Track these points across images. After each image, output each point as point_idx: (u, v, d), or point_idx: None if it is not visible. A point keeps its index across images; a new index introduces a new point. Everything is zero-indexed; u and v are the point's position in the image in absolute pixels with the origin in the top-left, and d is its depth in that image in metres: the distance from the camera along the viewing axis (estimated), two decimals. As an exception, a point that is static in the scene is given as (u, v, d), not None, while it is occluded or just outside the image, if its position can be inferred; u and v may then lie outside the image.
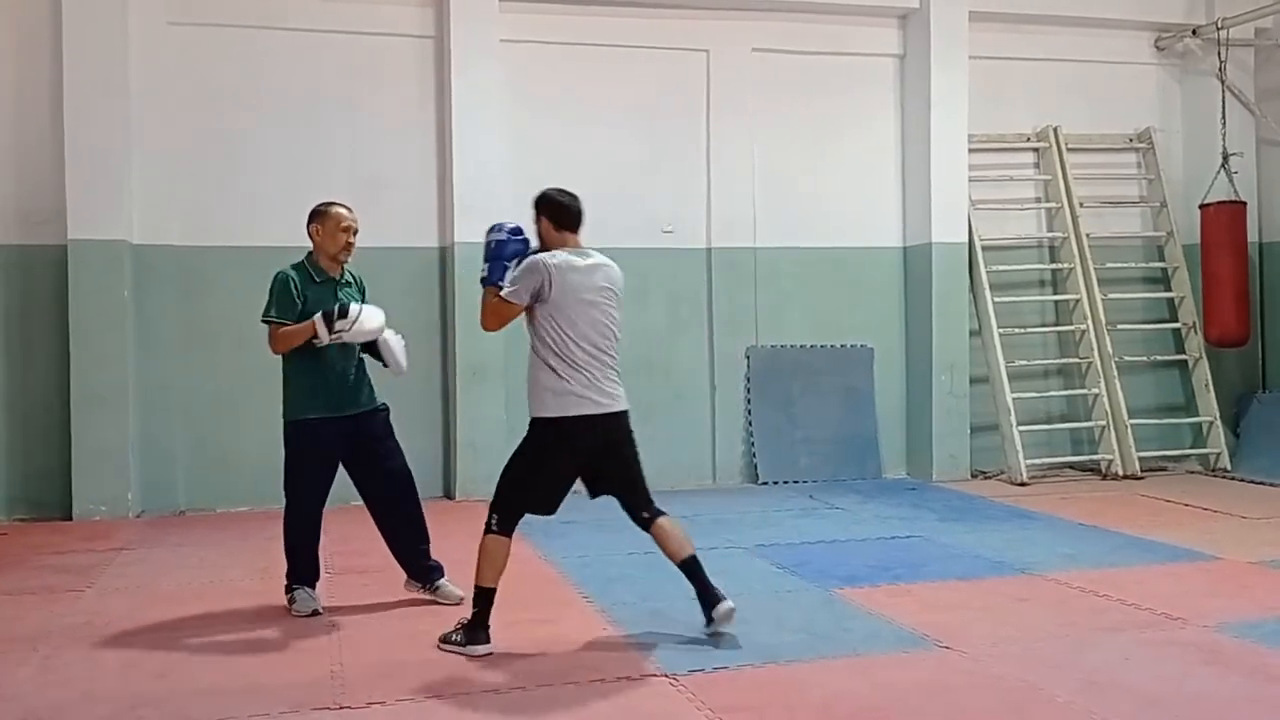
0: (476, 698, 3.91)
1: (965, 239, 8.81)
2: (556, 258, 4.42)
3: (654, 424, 7.69)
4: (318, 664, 4.29)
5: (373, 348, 5.01)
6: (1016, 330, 8.97)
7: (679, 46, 8.52)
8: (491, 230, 4.61)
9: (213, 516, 7.50)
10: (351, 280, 5.10)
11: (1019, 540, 6.48)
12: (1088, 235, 9.12)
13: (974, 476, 8.80)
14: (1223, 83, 9.04)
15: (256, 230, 7.75)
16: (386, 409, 5.11)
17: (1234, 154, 8.96)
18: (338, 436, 4.90)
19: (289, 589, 5.01)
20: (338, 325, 4.72)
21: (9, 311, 7.43)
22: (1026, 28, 9.12)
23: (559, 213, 4.53)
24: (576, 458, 4.45)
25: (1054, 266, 9.22)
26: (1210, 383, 9.20)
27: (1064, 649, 4.38)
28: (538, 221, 4.57)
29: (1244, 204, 8.94)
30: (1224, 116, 8.99)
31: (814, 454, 8.72)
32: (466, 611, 4.47)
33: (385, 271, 7.04)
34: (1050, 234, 9.25)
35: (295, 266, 4.95)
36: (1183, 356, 9.37)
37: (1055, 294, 9.24)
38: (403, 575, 5.15)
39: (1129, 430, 8.84)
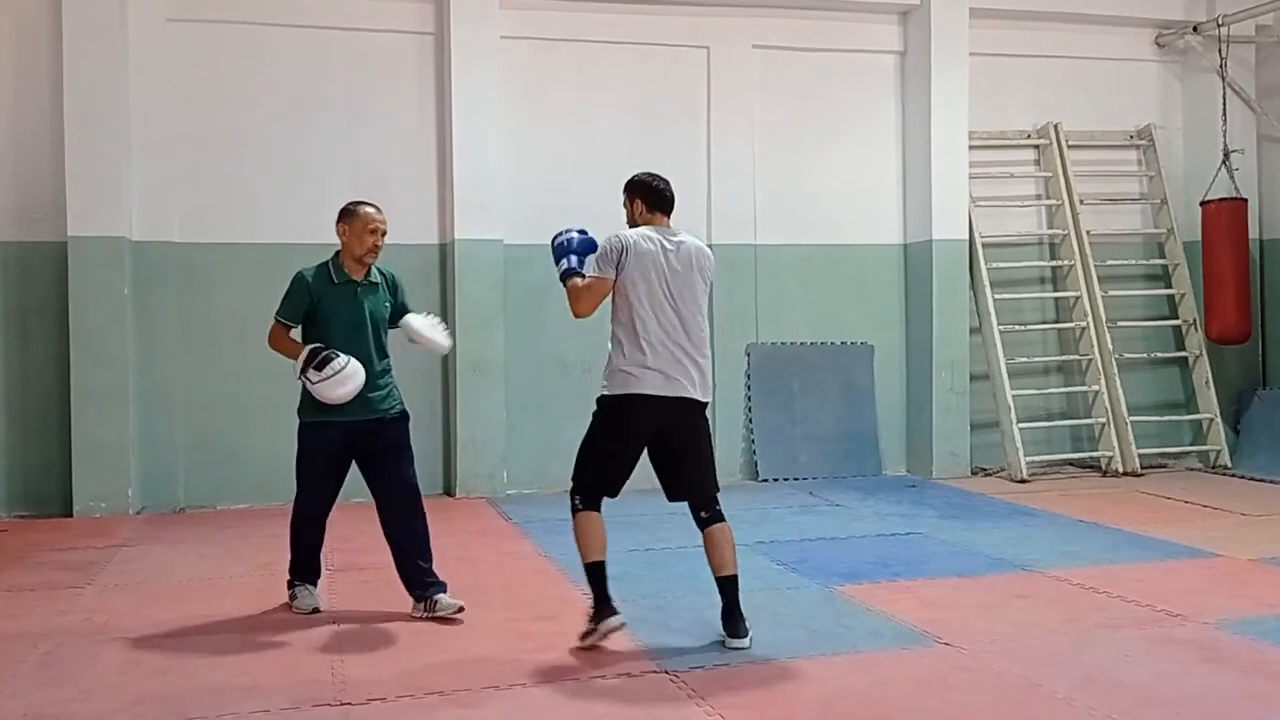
0: (477, 694, 3.91)
1: (966, 236, 8.81)
2: (636, 232, 4.44)
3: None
4: (318, 661, 4.29)
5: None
6: (1017, 327, 8.97)
7: (679, 43, 8.52)
8: (557, 235, 4.62)
9: (213, 513, 7.50)
10: (379, 281, 4.97)
11: (1019, 537, 6.48)
12: (1088, 232, 9.12)
13: (974, 473, 8.80)
14: (1223, 79, 9.03)
15: (256, 227, 7.76)
16: (406, 417, 5.00)
17: (1235, 151, 8.95)
18: (345, 441, 4.82)
19: (291, 584, 5.02)
20: (311, 373, 4.64)
21: (9, 308, 7.43)
22: (1027, 24, 9.11)
23: (650, 194, 4.55)
24: (631, 440, 4.41)
25: (1054, 263, 9.22)
26: (1210, 379, 9.20)
27: (1064, 646, 4.39)
28: (630, 204, 4.59)
29: (1245, 201, 8.93)
30: (1225, 113, 8.98)
31: (814, 451, 8.73)
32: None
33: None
34: (1051, 231, 9.24)
35: (319, 266, 4.88)
36: (1183, 353, 9.37)
37: (1055, 291, 9.23)
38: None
39: (1129, 427, 8.84)
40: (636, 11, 8.40)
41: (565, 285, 4.51)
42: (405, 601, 4.91)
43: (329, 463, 4.88)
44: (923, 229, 8.79)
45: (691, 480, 4.47)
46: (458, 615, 4.78)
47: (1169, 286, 9.42)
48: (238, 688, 3.98)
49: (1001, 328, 8.81)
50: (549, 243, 4.66)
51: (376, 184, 7.77)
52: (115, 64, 7.39)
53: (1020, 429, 8.63)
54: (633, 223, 4.57)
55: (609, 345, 4.47)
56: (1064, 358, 9.19)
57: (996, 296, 8.86)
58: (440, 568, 4.99)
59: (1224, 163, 8.92)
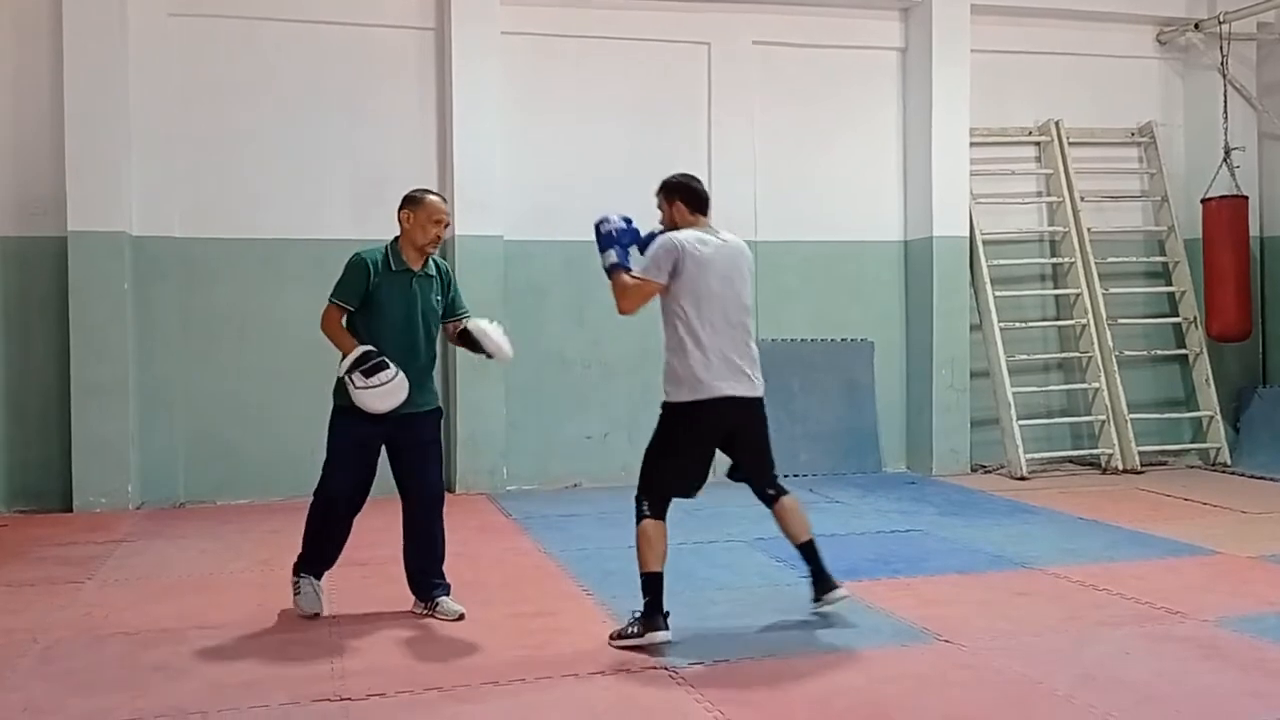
0: (476, 689, 3.91)
1: (966, 233, 8.81)
2: (689, 235, 4.45)
3: (654, 417, 7.65)
4: (318, 656, 4.28)
5: (469, 338, 4.85)
6: (1017, 325, 8.96)
7: (680, 39, 8.51)
8: (603, 222, 4.53)
9: (213, 508, 7.50)
10: (434, 273, 4.80)
11: (1019, 534, 6.48)
12: (1089, 229, 9.11)
13: (974, 471, 8.80)
14: (1224, 77, 9.02)
15: (257, 222, 7.76)
16: (440, 412, 4.92)
17: (1236, 148, 8.95)
18: (378, 430, 4.67)
19: (297, 572, 4.89)
20: (356, 377, 4.51)
21: (9, 303, 7.43)
22: (1028, 21, 9.11)
23: (691, 196, 4.58)
24: (703, 442, 4.52)
25: (1055, 261, 9.22)
26: (1210, 377, 9.20)
27: (1063, 643, 4.39)
28: (669, 206, 4.58)
29: (1245, 198, 8.93)
30: (1226, 111, 8.98)
31: (814, 448, 8.72)
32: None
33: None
34: (1051, 228, 9.24)
35: (378, 250, 4.70)
36: (1183, 351, 9.37)
37: (1056, 288, 9.23)
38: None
39: (1129, 425, 8.84)
40: (637, 7, 8.39)
41: (610, 277, 4.49)
42: (405, 597, 4.91)
43: (359, 449, 4.73)
44: (923, 226, 8.78)
45: (757, 466, 4.76)
46: (457, 620, 4.75)
47: (1169, 284, 9.42)
48: (237, 683, 3.98)
49: (1002, 325, 8.81)
50: (593, 227, 4.53)
51: (376, 179, 7.79)
52: (116, 58, 7.38)
53: (1020, 426, 8.63)
54: (672, 225, 4.56)
55: (665, 352, 4.48)
56: (1064, 355, 9.19)
57: (997, 293, 8.86)
58: (441, 564, 4.99)
59: (1225, 160, 8.91)
